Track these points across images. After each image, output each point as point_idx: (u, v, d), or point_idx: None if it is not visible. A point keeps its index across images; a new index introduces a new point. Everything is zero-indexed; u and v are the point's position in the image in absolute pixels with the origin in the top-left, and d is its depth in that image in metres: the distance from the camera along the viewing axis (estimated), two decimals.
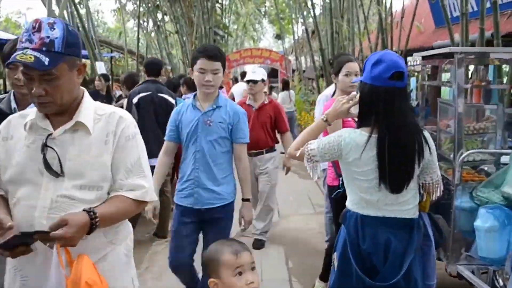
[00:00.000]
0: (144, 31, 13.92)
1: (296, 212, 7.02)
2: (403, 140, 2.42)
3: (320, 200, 7.38)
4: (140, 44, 13.11)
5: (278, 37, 26.86)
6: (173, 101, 5.58)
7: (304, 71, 20.31)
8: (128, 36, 15.96)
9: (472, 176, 3.82)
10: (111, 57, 15.75)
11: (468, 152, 3.67)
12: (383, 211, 2.50)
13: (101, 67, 8.26)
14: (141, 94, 5.36)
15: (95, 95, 8.02)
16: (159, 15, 14.15)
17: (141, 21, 12.84)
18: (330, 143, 2.49)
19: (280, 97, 12.87)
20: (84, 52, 9.59)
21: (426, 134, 2.53)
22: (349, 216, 2.61)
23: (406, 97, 2.53)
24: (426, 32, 11.14)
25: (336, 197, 3.50)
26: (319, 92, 11.74)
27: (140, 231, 5.82)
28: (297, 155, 2.60)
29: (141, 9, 12.66)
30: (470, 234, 3.77)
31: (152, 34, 14.39)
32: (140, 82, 5.66)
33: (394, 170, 2.41)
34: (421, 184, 2.59)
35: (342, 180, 2.93)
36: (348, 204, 2.64)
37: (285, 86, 13.20)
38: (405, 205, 2.51)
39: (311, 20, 16.56)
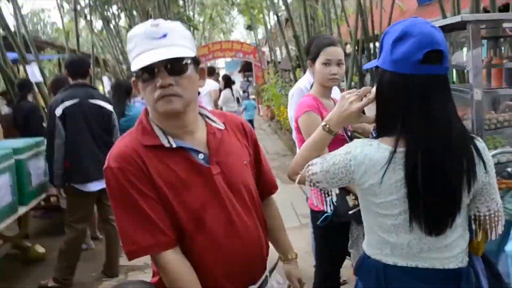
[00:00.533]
0: (94, 29, 13.06)
1: None
2: (445, 155, 1.69)
3: (306, 209, 6.60)
4: (91, 44, 12.23)
5: (250, 28, 26.16)
6: (110, 107, 4.72)
7: (279, 62, 19.62)
8: (81, 36, 15.11)
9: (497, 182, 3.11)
10: (59, 59, 14.82)
11: (494, 152, 2.96)
12: (417, 260, 1.78)
13: (33, 73, 7.29)
14: (66, 103, 4.45)
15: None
16: (111, 9, 13.28)
17: (84, 18, 11.96)
18: (335, 163, 1.81)
19: (222, 96, 12.04)
20: (12, 55, 8.49)
21: (480, 144, 1.79)
22: (367, 266, 1.89)
23: (448, 90, 1.76)
24: (408, 12, 10.75)
25: (322, 225, 2.84)
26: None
27: (85, 269, 5.00)
28: (296, 182, 1.97)
29: (83, 3, 11.74)
30: (495, 255, 3.13)
31: (104, 32, 13.50)
32: (63, 88, 4.72)
33: (433, 202, 1.69)
34: (472, 217, 1.86)
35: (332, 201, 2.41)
36: (366, 248, 1.92)
37: (228, 82, 12.26)
38: (450, 250, 1.78)
39: (283, 7, 16.01)
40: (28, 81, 7.06)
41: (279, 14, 11.96)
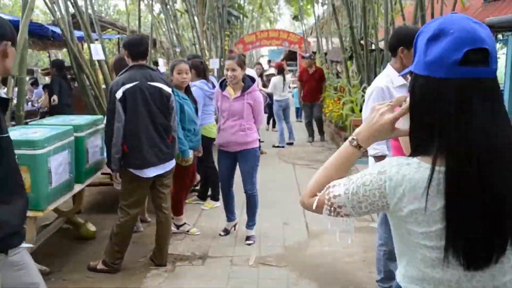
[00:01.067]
0: (153, 11, 12.74)
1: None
2: (496, 175, 1.30)
3: None
4: (151, 25, 11.93)
5: (296, 18, 25.59)
6: (169, 90, 4.31)
7: (325, 54, 18.94)
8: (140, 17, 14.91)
9: None
10: (118, 39, 14.63)
11: None
12: None
13: (96, 51, 7.02)
14: (126, 86, 4.07)
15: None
16: None
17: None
18: (366, 184, 1.43)
19: (272, 83, 11.45)
20: (79, 33, 8.46)
21: None
22: None
23: (497, 96, 1.36)
24: (471, 8, 9.91)
25: None
26: (347, 76, 10.40)
27: (133, 253, 4.64)
28: (314, 207, 1.52)
29: None
30: None
31: (161, 15, 13.18)
32: (123, 70, 4.28)
33: (475, 231, 1.32)
34: None
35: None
36: (402, 280, 1.53)
37: (280, 70, 11.70)
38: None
39: None
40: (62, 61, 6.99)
41: (334, 3, 11.29)
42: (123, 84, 4.06)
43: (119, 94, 4.03)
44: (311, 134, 11.51)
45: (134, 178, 4.20)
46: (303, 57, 12.12)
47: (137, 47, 4.21)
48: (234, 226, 5.39)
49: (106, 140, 4.22)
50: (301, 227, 5.59)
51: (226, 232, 5.32)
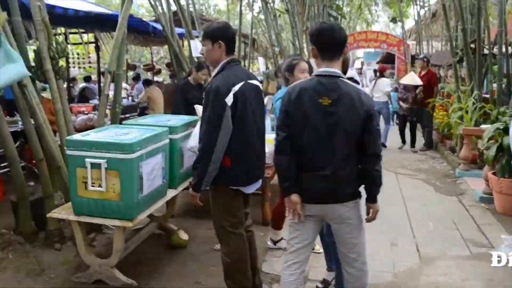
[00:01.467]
0: (253, 10, 12.36)
1: (443, 253, 4.71)
2: None
3: (472, 232, 5.22)
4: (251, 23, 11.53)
5: (394, 20, 24.27)
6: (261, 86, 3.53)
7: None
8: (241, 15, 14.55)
9: None
10: None
11: None
12: None
13: (196, 48, 6.64)
14: (236, 87, 3.14)
15: (185, 87, 6.19)
16: None
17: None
18: None
19: (383, 85, 10.81)
20: (179, 30, 8.24)
21: None
22: None
23: None
24: None
25: None
26: (457, 81, 9.29)
27: (216, 274, 3.64)
28: None
29: None
30: None
31: (261, 15, 12.74)
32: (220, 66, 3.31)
33: None
34: None
35: None
36: None
37: (382, 72, 11.25)
38: None
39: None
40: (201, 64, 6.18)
41: (444, 4, 10.18)
42: (233, 84, 3.15)
43: (230, 100, 3.09)
44: (413, 141, 10.60)
45: (233, 194, 3.31)
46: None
47: (234, 39, 3.39)
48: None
49: (203, 155, 3.14)
50: (411, 249, 4.78)
51: (326, 284, 4.01)
